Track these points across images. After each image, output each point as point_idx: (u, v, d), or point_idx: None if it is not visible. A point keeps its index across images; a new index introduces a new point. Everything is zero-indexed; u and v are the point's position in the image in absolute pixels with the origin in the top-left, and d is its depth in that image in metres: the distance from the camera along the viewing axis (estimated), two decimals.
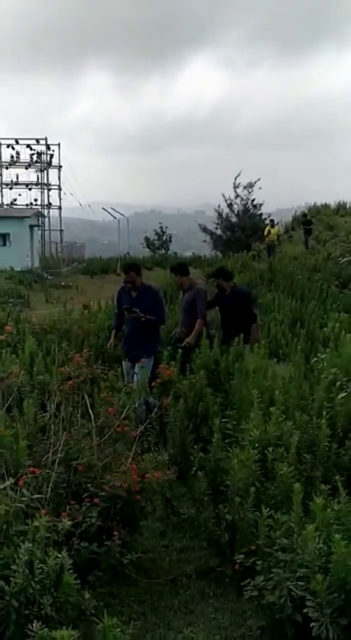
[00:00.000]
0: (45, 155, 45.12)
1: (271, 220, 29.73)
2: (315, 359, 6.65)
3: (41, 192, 45.45)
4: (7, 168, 46.00)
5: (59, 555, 3.21)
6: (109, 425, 4.62)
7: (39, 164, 45.43)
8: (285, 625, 3.29)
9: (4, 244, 35.95)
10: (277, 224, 31.28)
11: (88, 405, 4.75)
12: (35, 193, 45.76)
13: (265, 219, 34.40)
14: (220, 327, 8.72)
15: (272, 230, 27.43)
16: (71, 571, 3.26)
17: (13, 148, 45.51)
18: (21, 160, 45.79)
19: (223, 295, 8.52)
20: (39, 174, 45.68)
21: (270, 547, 3.58)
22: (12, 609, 3.06)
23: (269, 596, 3.30)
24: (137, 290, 7.38)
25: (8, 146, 45.45)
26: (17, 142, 45.32)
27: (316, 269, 20.57)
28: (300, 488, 3.69)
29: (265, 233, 27.99)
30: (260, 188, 36.90)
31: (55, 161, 45.54)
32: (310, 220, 31.97)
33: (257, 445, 4.41)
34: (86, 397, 4.77)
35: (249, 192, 36.82)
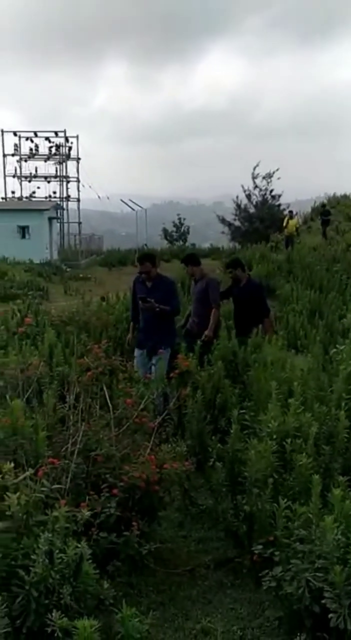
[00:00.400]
0: (63, 148, 45.25)
1: (290, 212, 29.51)
2: (334, 350, 6.60)
3: (60, 184, 45.64)
4: (26, 161, 46.21)
5: (79, 545, 3.24)
6: (127, 417, 4.64)
7: (57, 157, 45.58)
8: (303, 616, 3.29)
9: (23, 237, 36.16)
10: (296, 214, 31.11)
11: (107, 397, 4.77)
12: (54, 185, 46.01)
13: (284, 209, 34.18)
14: (233, 319, 8.59)
15: (291, 222, 27.25)
16: (90, 561, 3.28)
17: (32, 141, 45.72)
18: (40, 153, 45.98)
19: (238, 286, 8.42)
20: (58, 167, 45.85)
21: (288, 538, 3.57)
22: (32, 599, 3.09)
23: (287, 587, 3.31)
24: (151, 281, 7.33)
25: (27, 139, 45.66)
26: (35, 135, 45.50)
27: (336, 259, 20.38)
28: (319, 479, 3.68)
29: (284, 224, 27.84)
30: (278, 178, 36.67)
31: (73, 153, 45.66)
32: (328, 211, 31.75)
33: (275, 436, 4.40)
34: (105, 388, 4.79)
35: (268, 183, 36.60)
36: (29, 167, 46.49)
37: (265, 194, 36.68)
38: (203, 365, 6.45)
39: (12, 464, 3.66)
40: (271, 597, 3.67)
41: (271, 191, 36.72)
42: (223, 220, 37.96)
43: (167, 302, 7.16)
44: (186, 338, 7.91)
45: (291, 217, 27.99)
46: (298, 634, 3.17)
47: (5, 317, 9.49)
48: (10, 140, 45.76)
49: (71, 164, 45.78)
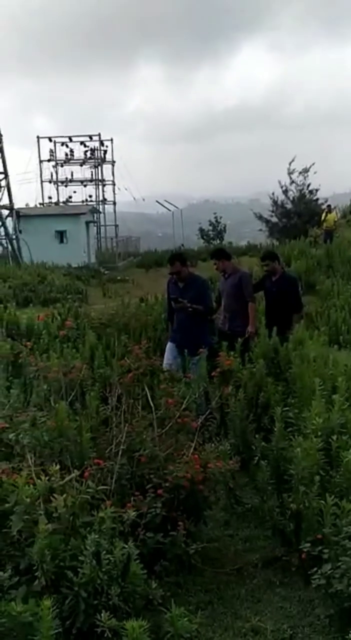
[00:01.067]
0: (98, 152, 45.59)
1: (328, 205, 29.24)
2: None
3: (96, 188, 45.98)
4: (62, 166, 46.70)
5: (126, 546, 3.25)
6: (170, 416, 4.64)
7: (92, 160, 45.93)
8: None
9: (61, 241, 36.53)
10: (334, 208, 30.72)
11: (149, 397, 4.78)
12: (90, 189, 46.37)
13: (322, 204, 33.81)
14: (265, 314, 8.41)
15: (329, 216, 26.96)
16: (138, 561, 3.30)
17: (67, 146, 46.18)
18: (75, 158, 46.42)
19: (270, 280, 8.25)
20: (93, 170, 46.21)
21: (337, 535, 3.54)
22: (81, 599, 3.12)
23: (337, 584, 3.28)
24: (183, 281, 7.30)
25: (62, 144, 46.13)
26: (70, 140, 45.94)
27: None
28: None
29: (322, 218, 27.60)
30: (315, 173, 36.26)
31: (108, 156, 45.96)
32: None
33: (320, 433, 4.35)
34: (146, 389, 4.80)
35: (304, 178, 36.25)
36: (65, 172, 47.00)
37: (302, 189, 36.34)
38: (244, 363, 6.40)
39: (58, 466, 3.69)
40: (321, 595, 3.63)
41: (308, 186, 36.36)
42: (260, 217, 37.72)
43: (199, 302, 7.13)
44: (219, 337, 7.72)
45: (329, 211, 27.70)
46: (350, 631, 3.13)
47: (46, 321, 9.59)
48: (46, 146, 46.32)
49: (106, 167, 46.11)
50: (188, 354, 6.88)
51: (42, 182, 46.38)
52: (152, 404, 4.74)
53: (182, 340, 7.08)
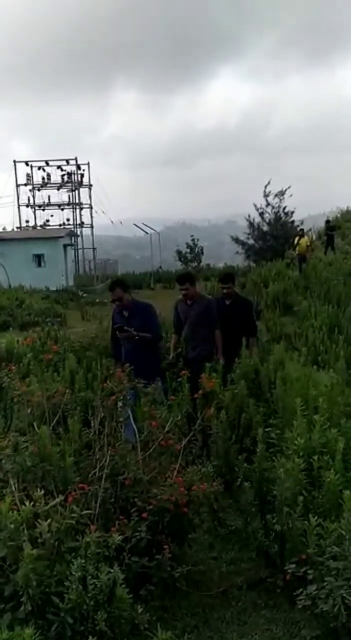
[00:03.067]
0: (75, 175, 45.82)
1: (301, 230, 29.26)
2: None
3: (73, 211, 46.19)
4: (39, 190, 46.86)
5: (111, 570, 3.25)
6: (153, 439, 4.64)
7: (69, 184, 46.17)
8: (340, 634, 3.27)
9: (39, 265, 36.51)
10: (308, 232, 31.01)
11: (132, 420, 4.78)
12: (67, 213, 46.59)
13: (297, 226, 34.20)
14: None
15: (302, 241, 26.39)
16: (123, 586, 3.29)
17: (44, 170, 46.36)
18: (52, 182, 46.63)
19: (224, 304, 7.86)
20: (70, 194, 46.43)
21: (321, 555, 3.55)
22: (68, 626, 3.10)
23: (322, 605, 3.29)
24: (127, 309, 6.87)
25: (39, 168, 46.31)
26: (47, 164, 46.16)
27: None
28: (350, 495, 3.66)
29: (295, 243, 27.19)
30: (290, 195, 36.81)
31: (85, 180, 46.21)
32: (333, 227, 31.35)
33: (301, 453, 4.38)
34: (129, 412, 4.80)
35: (280, 200, 36.73)
36: (42, 195, 47.19)
37: (278, 211, 36.79)
38: (226, 384, 6.37)
39: (42, 491, 3.68)
40: (306, 616, 3.63)
41: (284, 208, 36.83)
42: (236, 240, 38.07)
43: (147, 329, 6.68)
44: (186, 364, 7.20)
45: (302, 236, 27.22)
46: None
47: (34, 344, 9.57)
48: (22, 170, 46.45)
49: (83, 191, 46.38)
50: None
51: (19, 206, 46.49)
52: (135, 427, 4.74)
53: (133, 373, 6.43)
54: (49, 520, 3.42)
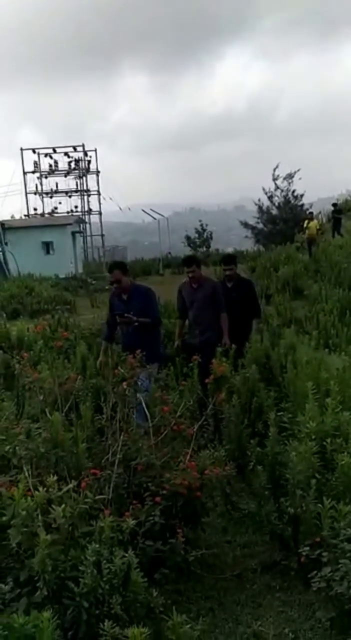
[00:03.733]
0: (82, 162, 45.70)
1: (310, 213, 28.84)
2: None
3: (81, 198, 46.16)
4: (46, 177, 46.82)
5: (126, 555, 3.25)
6: (165, 424, 4.65)
7: (77, 171, 46.04)
8: None
9: (48, 252, 36.56)
10: (318, 215, 30.77)
11: (144, 405, 4.79)
12: (75, 200, 46.53)
13: (307, 209, 33.99)
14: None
15: (311, 224, 25.87)
16: (138, 570, 3.30)
17: (51, 157, 46.25)
18: (60, 169, 46.57)
19: (226, 286, 7.85)
20: (78, 181, 46.35)
21: (335, 538, 3.55)
22: (83, 610, 3.11)
23: (337, 587, 3.29)
24: (126, 292, 6.74)
25: (46, 155, 46.22)
26: (54, 151, 46.05)
27: None
28: None
29: (304, 227, 26.64)
30: (299, 178, 36.63)
31: (92, 167, 46.11)
32: (340, 210, 31.02)
33: (314, 437, 4.38)
34: (141, 397, 4.81)
35: (289, 183, 36.52)
36: (49, 183, 47.10)
37: (287, 194, 36.58)
38: (237, 370, 6.36)
39: (55, 477, 3.69)
40: (321, 598, 3.64)
41: (293, 191, 36.62)
42: (246, 224, 37.93)
43: (146, 313, 6.52)
44: (187, 351, 7.20)
45: (311, 219, 26.75)
46: None
47: (44, 332, 9.59)
48: (30, 158, 46.37)
49: (91, 178, 46.31)
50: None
51: (26, 193, 46.46)
52: (147, 412, 4.74)
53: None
54: (62, 506, 3.43)
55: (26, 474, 3.84)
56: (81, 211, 45.47)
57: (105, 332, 7.17)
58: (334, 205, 31.46)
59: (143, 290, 6.93)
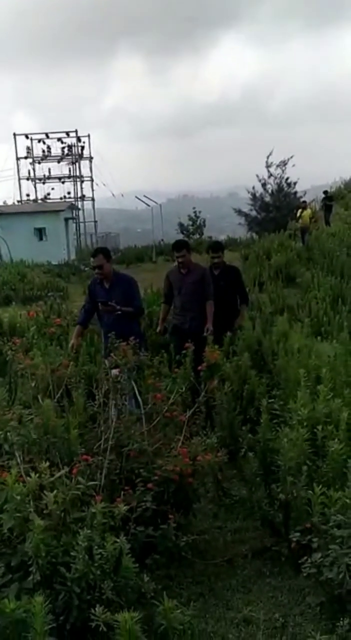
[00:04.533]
0: (75, 148, 45.46)
1: (304, 202, 28.70)
2: None
3: (74, 184, 45.89)
4: (39, 163, 46.52)
5: (117, 540, 3.27)
6: (158, 411, 4.66)
7: (70, 157, 45.80)
8: (344, 601, 3.31)
9: (41, 239, 36.41)
10: (311, 202, 30.68)
11: (136, 392, 4.79)
12: (68, 186, 46.28)
13: (300, 197, 33.90)
14: None
15: (305, 213, 25.65)
16: (129, 555, 3.31)
17: (44, 142, 45.99)
18: (53, 154, 46.27)
19: (212, 274, 7.67)
20: (71, 167, 46.12)
21: (326, 524, 3.58)
22: (74, 595, 3.13)
23: (327, 572, 3.32)
24: (108, 280, 6.58)
25: (39, 141, 45.90)
26: (47, 136, 45.77)
27: None
28: None
29: (297, 215, 26.44)
30: (293, 165, 36.41)
31: (86, 153, 45.89)
32: (331, 197, 30.90)
33: (305, 424, 4.40)
34: (133, 384, 4.81)
35: (282, 171, 36.37)
36: (42, 168, 46.82)
37: (280, 181, 36.46)
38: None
39: (47, 463, 3.70)
40: (311, 584, 3.67)
41: (286, 179, 36.49)
42: (239, 212, 37.81)
43: (128, 303, 6.38)
44: (177, 336, 7.15)
45: (304, 208, 26.47)
46: (341, 618, 3.17)
47: (37, 318, 9.56)
48: (22, 143, 46.13)
49: (84, 164, 46.10)
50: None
51: (19, 179, 46.18)
52: (139, 399, 4.75)
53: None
54: (54, 492, 3.44)
55: (18, 460, 3.85)
56: (74, 197, 45.26)
57: (81, 317, 7.02)
58: (325, 192, 31.38)
59: (126, 279, 6.79)
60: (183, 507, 4.23)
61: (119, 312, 6.26)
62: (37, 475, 3.55)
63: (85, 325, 6.99)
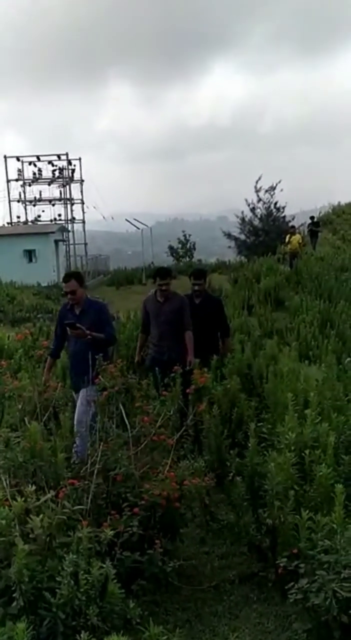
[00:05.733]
0: (66, 171, 45.68)
1: (292, 227, 28.79)
2: (348, 359, 6.61)
3: (64, 207, 46.08)
4: (30, 185, 46.69)
5: (103, 565, 3.25)
6: (145, 434, 4.64)
7: (61, 179, 46.01)
8: (331, 627, 3.28)
9: (30, 260, 36.46)
10: (299, 227, 30.86)
11: (124, 415, 4.78)
12: (58, 208, 46.46)
13: (289, 221, 34.16)
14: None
15: (293, 238, 25.35)
16: (115, 581, 3.29)
17: (35, 165, 46.19)
18: (43, 177, 46.48)
19: (193, 303, 7.30)
20: (62, 189, 46.29)
21: (312, 549, 3.56)
22: (59, 621, 3.11)
23: (314, 598, 3.29)
24: (80, 305, 6.15)
25: (30, 163, 46.14)
26: (38, 159, 45.98)
27: (344, 268, 20.36)
28: (342, 488, 3.68)
29: (286, 241, 26.09)
30: (281, 190, 36.77)
31: (77, 175, 46.11)
32: (317, 223, 31.08)
33: (293, 448, 4.40)
34: (121, 407, 4.80)
35: (271, 195, 36.70)
36: (33, 191, 47.01)
37: (269, 206, 36.77)
38: (187, 398, 5.93)
39: (33, 487, 3.68)
40: (298, 610, 3.64)
41: (275, 203, 36.82)
42: (228, 235, 38.05)
43: (99, 330, 5.96)
44: (155, 367, 6.50)
45: (293, 233, 26.22)
46: None
47: (25, 340, 9.53)
48: (13, 166, 46.28)
49: (75, 186, 46.28)
50: (77, 392, 5.86)
51: (10, 201, 46.30)
52: (127, 422, 4.74)
53: (78, 378, 5.80)
54: (40, 516, 3.42)
55: (4, 483, 3.83)
56: (64, 220, 45.42)
57: (53, 347, 6.48)
58: (311, 218, 31.58)
59: (98, 305, 6.44)
60: (170, 532, 4.21)
61: (89, 338, 5.85)
62: (23, 499, 3.53)
63: (57, 355, 6.56)
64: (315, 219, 31.41)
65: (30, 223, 45.54)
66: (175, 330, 6.88)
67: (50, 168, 46.19)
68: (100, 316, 6.17)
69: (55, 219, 45.65)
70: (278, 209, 36.84)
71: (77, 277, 6.28)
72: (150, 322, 7.11)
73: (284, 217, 36.60)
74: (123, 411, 4.80)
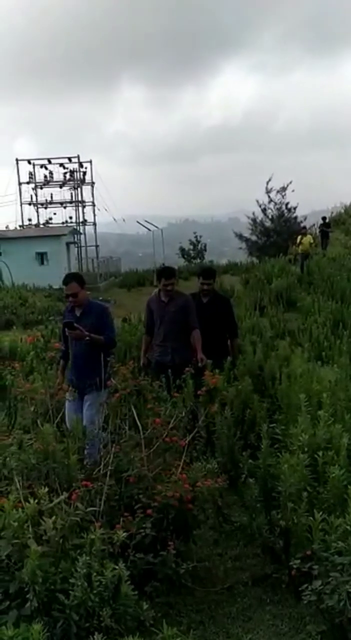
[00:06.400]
0: (78, 173, 45.79)
1: (304, 227, 28.62)
2: None
3: (75, 209, 46.15)
4: (41, 188, 46.84)
5: (116, 567, 3.24)
6: (157, 436, 4.64)
7: (72, 182, 46.11)
8: (345, 629, 3.27)
9: (42, 263, 36.57)
10: (311, 228, 30.74)
11: (136, 417, 4.78)
12: (69, 211, 46.55)
13: (301, 222, 34.06)
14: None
15: (305, 239, 25.09)
16: (128, 582, 3.29)
17: (46, 168, 46.35)
18: (55, 180, 46.60)
19: (200, 302, 7.21)
20: (73, 192, 46.40)
21: (326, 551, 3.54)
22: (73, 622, 3.10)
23: (328, 600, 3.28)
24: (81, 307, 6.10)
25: (41, 166, 46.27)
26: (49, 162, 46.12)
27: None
28: None
29: (297, 242, 25.82)
30: (292, 191, 36.68)
31: (88, 178, 46.20)
32: (328, 224, 30.86)
33: (306, 449, 4.38)
34: (133, 409, 4.80)
35: (282, 196, 36.62)
36: (44, 194, 47.14)
37: (281, 207, 36.69)
38: (198, 397, 5.91)
39: (46, 489, 3.68)
40: (312, 612, 3.63)
41: (287, 204, 36.73)
42: (240, 236, 38.01)
43: (100, 331, 5.91)
44: (158, 371, 6.51)
45: (304, 234, 25.98)
46: None
47: (36, 342, 9.57)
48: (25, 169, 46.47)
49: (86, 189, 46.35)
50: (80, 396, 5.80)
51: (21, 204, 46.46)
52: (139, 424, 4.74)
53: (78, 380, 5.89)
54: (53, 518, 3.43)
55: (17, 485, 3.83)
56: (76, 222, 45.52)
57: (62, 349, 6.48)
58: (323, 219, 31.47)
59: (99, 308, 6.33)
60: (183, 534, 4.20)
61: (88, 339, 5.81)
62: (36, 501, 3.53)
63: (67, 358, 6.36)
64: (327, 220, 31.31)
65: (41, 226, 45.70)
66: (180, 331, 6.77)
67: (62, 171, 46.35)
68: (101, 319, 6.10)
69: (66, 222, 45.76)
70: (289, 210, 36.76)
71: (78, 279, 6.22)
72: (154, 322, 7.00)
73: (295, 217, 36.50)
74: (135, 413, 4.80)
